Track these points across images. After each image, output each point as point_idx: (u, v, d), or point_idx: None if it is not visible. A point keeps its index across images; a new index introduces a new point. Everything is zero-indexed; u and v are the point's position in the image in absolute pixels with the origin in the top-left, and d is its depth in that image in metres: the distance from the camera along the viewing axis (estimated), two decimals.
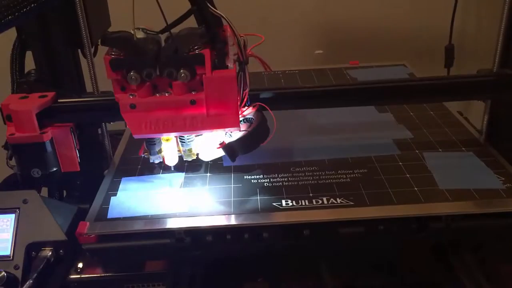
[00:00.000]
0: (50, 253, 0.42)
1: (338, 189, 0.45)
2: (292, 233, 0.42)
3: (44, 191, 0.51)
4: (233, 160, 0.44)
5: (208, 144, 0.46)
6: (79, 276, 0.43)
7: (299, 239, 0.42)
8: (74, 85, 0.51)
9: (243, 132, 0.43)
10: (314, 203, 0.44)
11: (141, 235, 0.42)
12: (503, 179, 0.46)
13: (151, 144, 0.47)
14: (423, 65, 0.75)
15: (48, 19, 0.48)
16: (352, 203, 0.43)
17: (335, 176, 0.47)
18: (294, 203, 0.44)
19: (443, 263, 0.43)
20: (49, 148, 0.45)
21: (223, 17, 0.40)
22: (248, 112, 0.44)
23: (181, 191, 0.46)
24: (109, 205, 0.45)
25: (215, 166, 0.50)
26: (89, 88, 0.51)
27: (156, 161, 0.49)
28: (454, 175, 0.46)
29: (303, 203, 0.44)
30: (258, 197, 0.45)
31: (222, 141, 0.44)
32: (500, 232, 0.43)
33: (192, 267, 0.44)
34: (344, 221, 0.42)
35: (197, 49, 0.40)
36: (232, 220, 0.42)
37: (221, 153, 0.46)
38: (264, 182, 0.47)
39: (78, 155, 0.48)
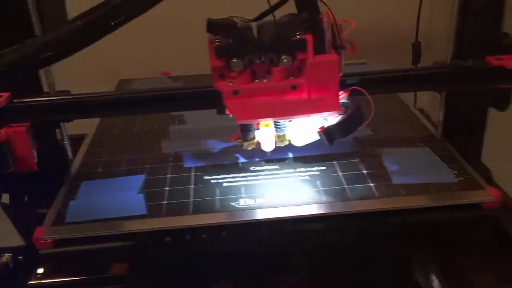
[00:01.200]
0: (9, 259, 0.42)
1: (296, 187, 0.46)
2: (250, 232, 0.43)
3: (6, 197, 0.51)
4: (331, 144, 0.44)
5: (301, 129, 0.46)
6: (38, 281, 0.42)
7: (258, 238, 0.43)
8: (30, 85, 0.50)
9: (340, 116, 0.44)
10: (272, 201, 0.44)
11: (100, 238, 0.42)
12: (456, 172, 0.47)
13: (247, 131, 0.47)
14: (392, 63, 0.76)
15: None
16: (310, 200, 0.44)
17: (295, 174, 0.48)
18: (253, 202, 0.44)
19: (399, 257, 0.44)
20: (3, 148, 0.45)
21: (324, 2, 0.40)
22: (342, 96, 0.44)
23: (141, 193, 0.46)
24: (67, 209, 0.45)
25: (176, 168, 0.50)
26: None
27: (249, 148, 0.48)
28: (408, 170, 0.47)
29: (261, 202, 0.44)
30: (217, 197, 0.45)
31: (321, 126, 0.44)
32: (453, 224, 0.44)
33: (153, 269, 0.44)
34: (302, 218, 0.43)
35: (298, 34, 0.40)
36: (190, 221, 0.42)
37: (313, 138, 0.46)
38: (224, 182, 0.47)
39: (35, 156, 0.47)
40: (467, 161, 0.50)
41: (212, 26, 0.40)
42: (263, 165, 0.50)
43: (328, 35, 0.41)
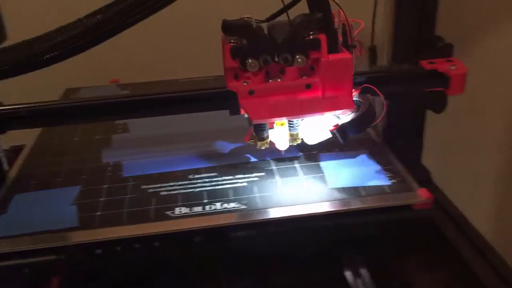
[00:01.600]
0: None
1: (233, 194, 0.46)
2: (183, 241, 0.42)
3: None
4: (344, 141, 0.45)
5: (314, 127, 0.47)
6: None
7: (191, 246, 0.42)
8: None
9: (352, 114, 0.44)
10: (208, 209, 0.44)
11: (28, 253, 0.41)
12: (391, 175, 0.48)
13: (261, 130, 0.47)
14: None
15: None
16: (244, 207, 0.44)
17: (233, 181, 0.48)
18: (188, 211, 0.44)
19: (331, 261, 0.44)
20: None
21: (336, 2, 0.42)
22: (353, 94, 0.45)
23: (74, 205, 0.46)
24: None
25: (114, 178, 0.50)
26: None
27: (263, 147, 0.48)
28: (344, 174, 0.48)
29: (196, 210, 0.44)
30: (152, 207, 0.45)
31: (335, 124, 0.45)
32: (384, 226, 0.44)
33: (85, 283, 0.43)
34: (235, 225, 0.43)
35: (312, 34, 0.41)
36: (122, 232, 0.42)
37: (325, 136, 0.47)
38: (161, 191, 0.47)
39: None
40: (406, 164, 0.50)
41: (229, 27, 0.41)
42: (202, 173, 0.50)
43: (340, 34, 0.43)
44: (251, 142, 0.49)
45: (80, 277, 0.43)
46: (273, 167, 0.50)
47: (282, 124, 0.47)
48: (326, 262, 0.44)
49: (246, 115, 0.44)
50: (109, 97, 0.48)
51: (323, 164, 0.50)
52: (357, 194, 0.45)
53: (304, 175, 0.48)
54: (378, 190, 0.45)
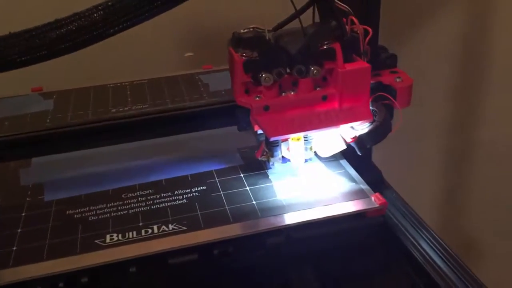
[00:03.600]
0: None
1: (172, 214, 0.41)
2: (115, 274, 0.37)
3: None
4: (362, 153, 0.42)
5: (327, 140, 0.44)
6: None
7: (125, 279, 0.37)
8: None
9: (368, 124, 0.42)
10: (143, 233, 0.39)
11: None
12: (343, 179, 0.45)
13: (274, 146, 0.44)
14: None
15: None
16: (185, 228, 0.40)
17: (171, 198, 0.43)
18: (120, 237, 0.39)
19: (283, 279, 0.41)
20: None
21: (348, 9, 0.40)
22: None
23: None
24: None
25: (34, 203, 0.43)
26: None
27: (276, 163, 0.45)
28: (293, 183, 0.44)
29: (131, 236, 0.39)
30: (79, 235, 0.39)
31: (354, 135, 0.42)
32: (338, 237, 0.41)
33: None
34: (174, 250, 0.38)
35: (326, 44, 0.39)
36: (42, 269, 0.36)
37: (338, 148, 0.44)
38: (89, 215, 0.42)
39: None
40: (357, 166, 0.48)
41: (242, 41, 0.38)
42: (136, 191, 0.44)
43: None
44: (263, 158, 0.46)
45: None
46: (216, 178, 0.46)
47: (298, 139, 0.44)
48: (278, 283, 0.40)
49: (259, 131, 0.42)
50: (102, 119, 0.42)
51: (270, 172, 0.46)
52: (310, 205, 0.41)
53: (250, 186, 0.44)
54: (330, 199, 0.42)
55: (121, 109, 0.55)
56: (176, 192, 0.44)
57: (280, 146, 0.45)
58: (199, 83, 0.64)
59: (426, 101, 0.82)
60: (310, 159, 0.47)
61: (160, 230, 0.39)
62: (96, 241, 0.38)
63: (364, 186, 0.44)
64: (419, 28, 0.79)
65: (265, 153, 0.46)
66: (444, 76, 0.83)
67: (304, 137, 0.45)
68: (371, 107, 0.43)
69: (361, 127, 0.42)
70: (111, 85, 0.64)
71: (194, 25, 0.80)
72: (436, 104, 0.85)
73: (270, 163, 0.46)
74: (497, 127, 0.88)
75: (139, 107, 0.56)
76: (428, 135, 0.88)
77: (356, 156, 0.48)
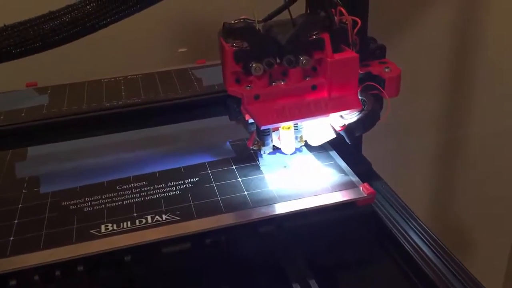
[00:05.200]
0: None
1: (165, 204, 0.42)
2: (111, 262, 0.38)
3: None
4: (350, 141, 0.43)
5: (317, 128, 0.45)
6: None
7: (121, 267, 0.38)
8: None
9: (357, 113, 0.43)
10: (137, 223, 0.40)
11: None
12: (332, 171, 0.46)
13: (265, 135, 0.45)
14: None
15: None
16: (178, 218, 0.41)
17: (165, 190, 0.44)
18: (115, 227, 0.40)
19: (275, 269, 0.42)
20: None
21: (337, 0, 0.41)
22: None
23: None
24: None
25: (30, 195, 0.44)
26: None
27: (267, 152, 0.47)
28: (284, 174, 0.45)
29: (125, 226, 0.40)
30: (75, 226, 0.40)
31: (343, 124, 0.43)
32: (328, 226, 0.42)
33: None
34: (168, 239, 0.39)
35: (315, 34, 0.40)
36: (39, 258, 0.37)
37: (328, 137, 0.45)
38: (85, 206, 0.42)
39: None
40: (347, 158, 0.49)
41: (232, 31, 0.39)
42: (131, 182, 0.45)
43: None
44: (254, 147, 0.47)
45: None
46: (209, 170, 0.47)
47: (288, 128, 0.46)
48: (269, 271, 0.41)
49: (250, 120, 0.43)
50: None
51: (261, 164, 0.47)
52: (300, 195, 0.42)
53: (242, 177, 0.45)
54: (320, 189, 0.43)
55: (115, 103, 0.56)
56: (169, 183, 0.45)
57: (271, 135, 0.46)
58: (192, 77, 0.65)
59: (416, 94, 0.83)
60: (300, 150, 0.48)
61: (154, 220, 0.40)
62: (92, 231, 0.39)
63: (353, 177, 0.45)
64: (409, 20, 0.80)
65: (256, 142, 0.47)
66: (434, 69, 0.84)
67: (294, 126, 0.46)
68: (360, 97, 0.44)
69: (350, 116, 0.43)
70: (105, 80, 0.64)
71: (188, 20, 0.81)
72: (425, 97, 0.86)
73: (261, 152, 0.47)
74: (487, 120, 0.90)
75: (133, 101, 0.57)
76: (418, 128, 0.89)
77: (347, 149, 0.50)
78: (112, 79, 0.64)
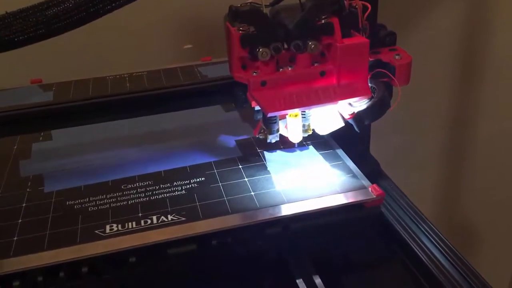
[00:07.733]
0: None
1: (171, 205, 0.42)
2: (115, 264, 0.38)
3: None
4: (359, 130, 0.42)
5: (325, 117, 0.44)
6: None
7: (125, 269, 0.38)
8: None
9: (366, 101, 0.41)
10: (143, 224, 0.40)
11: None
12: (339, 172, 0.45)
13: (272, 123, 0.44)
14: None
15: None
16: (183, 218, 0.40)
17: (170, 189, 0.44)
18: (120, 227, 0.39)
19: (282, 271, 0.41)
20: None
21: None
22: None
23: None
24: None
25: (34, 194, 0.44)
26: None
27: (273, 140, 0.45)
28: (291, 174, 0.45)
29: (130, 226, 0.39)
30: (79, 226, 0.40)
31: (351, 112, 0.42)
32: (336, 227, 0.42)
33: None
34: (173, 240, 0.38)
35: (324, 18, 0.38)
36: (43, 259, 0.36)
37: (337, 126, 0.44)
38: (89, 206, 0.42)
39: None
40: (355, 157, 0.48)
41: (239, 14, 0.38)
42: (136, 182, 0.45)
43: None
44: (261, 136, 0.46)
45: None
46: (215, 170, 0.46)
47: (296, 115, 0.44)
48: (276, 273, 0.41)
49: (257, 107, 0.42)
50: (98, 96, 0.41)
51: (268, 163, 0.46)
52: (307, 196, 0.42)
53: (248, 177, 0.45)
54: (328, 190, 0.42)
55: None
56: (175, 183, 0.44)
57: (278, 122, 0.44)
58: (198, 74, 0.64)
59: (424, 92, 0.82)
60: (307, 148, 0.47)
61: (159, 221, 0.40)
62: (96, 231, 0.39)
63: (362, 177, 0.44)
64: (420, 9, 0.78)
65: (262, 131, 0.45)
66: (444, 67, 0.83)
67: (302, 114, 0.45)
68: (369, 84, 0.43)
69: (359, 104, 0.42)
70: (110, 77, 0.64)
71: (193, 17, 0.80)
72: (434, 95, 0.85)
73: (268, 141, 0.46)
74: (496, 120, 0.88)
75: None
76: (427, 127, 0.88)
77: (354, 148, 0.49)
78: (117, 76, 0.63)
